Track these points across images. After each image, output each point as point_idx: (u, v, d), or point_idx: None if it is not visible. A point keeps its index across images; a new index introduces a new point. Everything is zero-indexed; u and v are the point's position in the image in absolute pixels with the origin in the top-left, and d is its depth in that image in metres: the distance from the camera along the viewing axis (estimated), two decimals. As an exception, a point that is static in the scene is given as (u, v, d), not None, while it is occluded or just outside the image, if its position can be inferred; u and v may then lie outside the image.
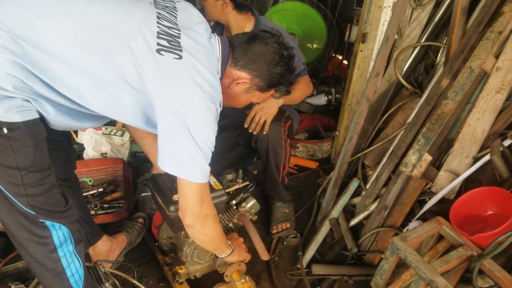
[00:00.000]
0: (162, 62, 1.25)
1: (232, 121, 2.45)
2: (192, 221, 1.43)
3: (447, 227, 1.64)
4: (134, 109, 1.31)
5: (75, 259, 1.39)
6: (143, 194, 2.25)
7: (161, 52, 1.26)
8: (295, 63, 1.79)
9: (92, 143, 2.51)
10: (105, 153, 2.56)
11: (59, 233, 1.34)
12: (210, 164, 1.37)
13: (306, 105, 3.27)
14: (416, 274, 1.45)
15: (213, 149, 1.36)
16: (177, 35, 1.33)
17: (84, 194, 2.29)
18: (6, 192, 1.24)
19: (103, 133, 2.56)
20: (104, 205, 2.29)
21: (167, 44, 1.28)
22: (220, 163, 2.44)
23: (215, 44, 1.45)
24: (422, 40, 2.46)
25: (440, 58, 2.42)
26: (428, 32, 2.45)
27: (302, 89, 2.26)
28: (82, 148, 2.56)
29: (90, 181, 2.46)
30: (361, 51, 2.53)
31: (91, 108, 1.29)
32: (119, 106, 1.30)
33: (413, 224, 2.00)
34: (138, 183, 2.32)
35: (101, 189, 2.38)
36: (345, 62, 3.62)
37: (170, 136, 1.28)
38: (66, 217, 1.37)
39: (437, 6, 2.44)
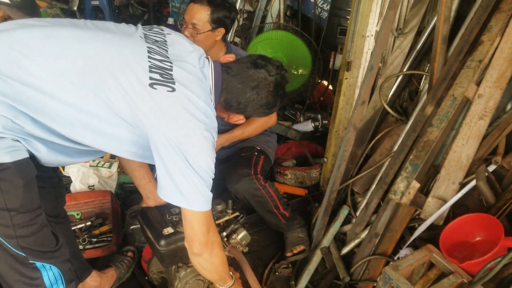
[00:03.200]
0: (155, 96, 1.26)
1: (234, 150, 2.45)
2: (200, 250, 1.42)
3: (437, 255, 1.65)
4: (131, 143, 1.32)
5: None
6: (132, 227, 2.22)
7: (154, 86, 1.27)
8: None
9: (80, 176, 2.49)
10: (93, 186, 2.53)
11: (49, 273, 1.32)
12: (212, 191, 1.37)
13: (294, 132, 3.30)
14: (410, 304, 1.46)
15: (213, 176, 1.38)
16: (169, 67, 1.34)
17: (71, 228, 2.25)
18: None
19: (90, 165, 2.53)
20: (93, 239, 2.25)
21: (159, 78, 1.29)
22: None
23: (208, 73, 1.46)
24: (405, 68, 2.51)
25: (423, 85, 2.48)
26: (410, 59, 2.51)
27: (258, 126, 2.29)
28: (69, 181, 2.53)
29: (77, 214, 2.42)
30: (346, 79, 2.57)
31: (86, 143, 1.29)
32: (115, 141, 1.31)
33: (404, 251, 2.00)
34: (126, 216, 2.30)
35: (89, 223, 2.34)
36: (330, 87, 3.67)
37: (169, 168, 1.28)
38: (56, 256, 1.35)
39: (418, 34, 2.51)
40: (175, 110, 1.28)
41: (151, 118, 1.27)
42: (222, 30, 2.25)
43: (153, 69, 1.30)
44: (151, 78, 1.28)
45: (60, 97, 1.20)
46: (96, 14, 5.06)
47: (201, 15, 2.20)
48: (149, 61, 1.32)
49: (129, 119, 1.27)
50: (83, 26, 1.37)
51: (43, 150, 1.27)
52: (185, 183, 1.29)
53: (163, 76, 1.30)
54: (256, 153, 2.29)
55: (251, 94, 1.49)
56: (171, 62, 1.36)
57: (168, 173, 1.28)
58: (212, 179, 1.37)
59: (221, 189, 2.44)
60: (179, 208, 1.60)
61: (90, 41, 1.29)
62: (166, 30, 1.54)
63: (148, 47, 1.37)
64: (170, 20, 4.88)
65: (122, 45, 1.33)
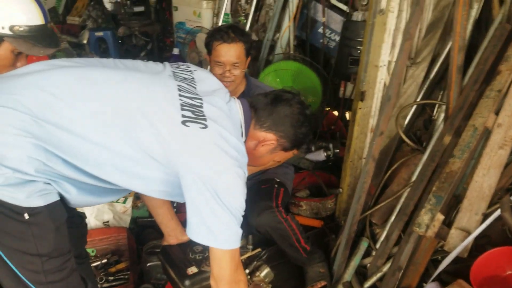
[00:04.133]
0: (188, 133, 1.26)
1: (253, 182, 2.41)
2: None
3: (469, 291, 1.61)
4: (160, 182, 1.31)
5: None
6: (148, 264, 2.18)
7: (187, 123, 1.27)
8: None
9: (94, 212, 2.46)
10: (107, 222, 2.51)
11: None
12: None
13: (306, 162, 3.28)
14: None
15: (243, 213, 1.35)
16: (199, 104, 1.34)
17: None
18: (25, 280, 1.20)
19: (105, 201, 2.51)
20: (109, 277, 2.21)
21: (191, 115, 1.29)
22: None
23: (236, 107, 1.46)
24: (419, 97, 2.51)
25: (438, 113, 2.48)
26: (424, 88, 2.51)
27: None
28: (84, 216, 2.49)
29: (92, 251, 2.38)
30: (360, 108, 2.57)
31: (115, 183, 1.27)
32: (145, 180, 1.29)
33: (430, 286, 1.96)
34: (143, 252, 2.26)
35: (105, 260, 2.31)
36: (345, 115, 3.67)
37: (200, 207, 1.26)
38: None
39: (431, 63, 2.52)
40: (208, 147, 1.27)
41: (184, 156, 1.26)
42: (248, 59, 2.29)
43: (184, 107, 1.30)
44: (183, 116, 1.28)
45: (91, 138, 1.20)
46: (100, 45, 5.12)
47: (240, 52, 2.21)
48: (180, 99, 1.32)
49: (160, 158, 1.26)
50: (113, 66, 1.38)
51: (73, 191, 1.26)
52: (216, 222, 1.27)
53: (194, 113, 1.30)
54: (276, 186, 2.27)
55: (284, 109, 1.50)
56: (201, 99, 1.37)
57: (199, 213, 1.26)
58: (242, 216, 1.35)
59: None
60: (202, 245, 1.57)
61: (121, 82, 1.30)
62: (193, 67, 1.55)
63: (178, 85, 1.38)
64: (175, 51, 4.92)
65: (153, 85, 1.34)
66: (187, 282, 1.58)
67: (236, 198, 1.29)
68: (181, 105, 1.31)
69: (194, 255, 1.70)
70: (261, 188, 2.28)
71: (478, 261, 1.69)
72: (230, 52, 2.19)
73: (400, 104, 2.55)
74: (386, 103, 2.10)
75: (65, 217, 1.26)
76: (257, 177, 2.39)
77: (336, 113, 3.71)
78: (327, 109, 3.76)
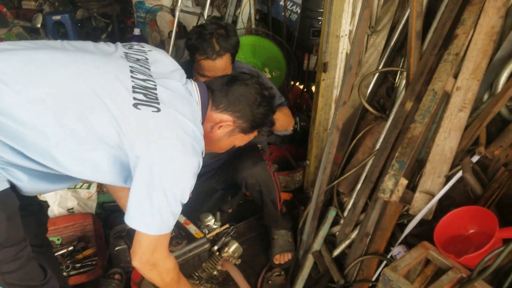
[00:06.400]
0: (140, 117, 1.21)
1: (207, 168, 2.41)
2: (139, 265, 1.38)
3: (433, 251, 1.64)
4: (110, 167, 1.26)
5: None
6: (117, 248, 2.14)
7: (138, 106, 1.22)
8: (276, 100, 1.79)
9: (57, 199, 2.38)
10: (72, 209, 2.44)
11: None
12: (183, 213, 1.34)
13: (273, 136, 3.27)
14: (412, 305, 1.44)
15: (184, 202, 1.32)
16: (152, 86, 1.29)
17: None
18: None
19: (68, 188, 2.44)
20: (76, 264, 2.16)
21: (143, 98, 1.24)
22: (199, 211, 2.37)
23: (193, 89, 1.42)
24: (381, 65, 2.52)
25: (399, 80, 2.49)
26: (385, 56, 2.52)
27: (284, 120, 2.21)
28: (46, 205, 2.42)
29: (58, 240, 2.32)
30: (323, 80, 2.56)
31: (66, 172, 1.22)
32: (96, 166, 1.24)
33: (397, 249, 2.00)
34: (110, 237, 2.21)
35: (71, 248, 2.25)
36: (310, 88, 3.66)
37: (140, 192, 1.23)
38: None
39: (391, 31, 2.52)
40: (160, 132, 1.23)
41: (134, 140, 1.21)
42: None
43: (136, 89, 1.25)
44: (135, 99, 1.22)
45: (36, 125, 1.14)
46: (58, 29, 4.92)
47: (226, 63, 2.08)
48: (132, 81, 1.26)
49: (112, 141, 1.21)
50: (61, 48, 1.31)
51: (24, 178, 1.20)
52: (149, 206, 1.24)
53: (147, 96, 1.25)
54: (260, 147, 2.30)
55: (240, 89, 1.46)
56: (154, 81, 1.31)
57: (138, 198, 1.24)
58: (182, 206, 1.32)
59: (211, 205, 2.41)
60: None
61: (70, 64, 1.23)
62: (147, 47, 1.49)
63: (130, 66, 1.31)
64: (136, 31, 4.78)
65: (104, 66, 1.27)
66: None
67: (178, 188, 1.26)
68: (133, 87, 1.25)
69: (160, 235, 1.67)
70: (246, 149, 2.23)
71: (441, 222, 1.73)
72: (215, 68, 2.04)
73: (362, 73, 2.55)
74: (348, 72, 2.09)
75: (17, 205, 1.21)
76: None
77: (301, 86, 3.69)
78: (292, 83, 3.74)
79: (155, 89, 1.29)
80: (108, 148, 1.21)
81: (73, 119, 1.16)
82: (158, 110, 1.24)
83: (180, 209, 1.31)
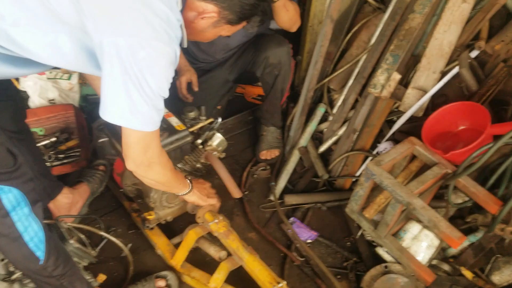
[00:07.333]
0: None
1: (220, 60, 2.29)
2: (134, 168, 1.31)
3: (420, 147, 1.61)
4: (76, 52, 1.14)
5: (32, 222, 1.27)
6: (100, 140, 2.10)
7: None
8: None
9: (37, 89, 2.29)
10: (53, 100, 2.36)
11: (9, 196, 1.20)
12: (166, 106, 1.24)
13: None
14: (393, 197, 1.43)
15: (165, 96, 1.20)
16: None
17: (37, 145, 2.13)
18: None
19: (48, 78, 2.33)
20: (59, 155, 2.13)
21: None
22: (210, 103, 2.31)
23: None
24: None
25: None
26: None
27: (293, 15, 2.05)
28: (26, 96, 2.34)
29: (40, 131, 2.27)
30: (319, -35, 2.35)
31: (30, 56, 1.11)
32: (58, 50, 1.13)
33: (383, 145, 1.97)
34: (93, 129, 2.16)
35: (54, 139, 2.21)
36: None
37: (113, 82, 1.11)
38: (16, 177, 1.23)
39: None
40: (127, 14, 1.07)
41: (98, 22, 1.07)
42: None
43: None
44: None
45: None
46: None
47: None
48: None
49: (72, 21, 1.07)
50: None
51: None
52: (126, 100, 1.12)
53: None
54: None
55: None
56: None
57: (111, 88, 1.12)
58: (164, 99, 1.21)
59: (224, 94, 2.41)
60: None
61: None
62: None
63: None
64: None
65: None
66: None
67: (155, 78, 1.13)
68: None
69: (141, 126, 1.62)
70: (267, 34, 2.25)
71: (430, 118, 1.67)
72: None
73: (362, -41, 2.32)
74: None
75: None
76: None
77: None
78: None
79: None
80: (70, 30, 1.09)
81: None
82: None
83: (162, 103, 1.21)
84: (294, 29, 2.14)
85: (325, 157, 2.21)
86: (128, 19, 1.08)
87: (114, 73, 1.10)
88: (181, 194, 1.61)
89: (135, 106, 1.14)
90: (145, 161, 1.30)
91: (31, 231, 1.26)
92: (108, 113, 1.16)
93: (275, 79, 2.15)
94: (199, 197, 1.66)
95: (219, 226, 1.61)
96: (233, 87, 2.55)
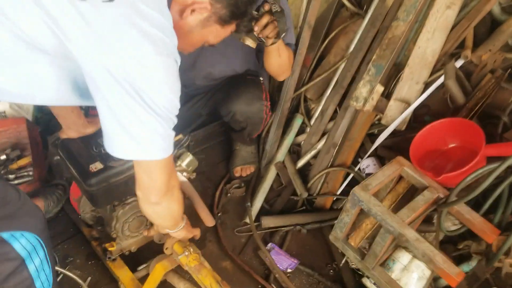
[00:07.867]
0: (86, 12, 0.86)
1: (198, 91, 2.11)
2: (159, 199, 1.15)
3: (408, 168, 1.48)
4: (58, 82, 0.97)
5: None
6: (56, 158, 1.89)
7: None
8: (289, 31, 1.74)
9: (-16, 101, 2.06)
10: (4, 112, 2.13)
11: None
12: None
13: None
14: (383, 227, 1.30)
15: (177, 113, 1.04)
16: None
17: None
18: None
19: (-4, 88, 2.10)
20: (10, 175, 1.91)
21: None
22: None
23: None
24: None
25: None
26: None
27: (285, 62, 1.87)
28: (-28, 109, 2.10)
29: (-12, 148, 2.04)
30: (294, -33, 2.21)
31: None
32: (36, 82, 0.95)
33: (366, 162, 1.85)
34: (49, 144, 1.95)
35: (4, 157, 1.98)
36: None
37: (117, 111, 0.94)
38: None
39: None
40: (118, 30, 0.90)
41: (83, 45, 0.89)
42: None
43: None
44: None
45: None
46: None
47: None
48: None
49: (51, 48, 0.89)
50: None
51: None
52: (140, 128, 0.97)
53: None
54: (261, 80, 2.01)
55: None
56: None
57: (117, 119, 0.95)
58: (177, 116, 1.05)
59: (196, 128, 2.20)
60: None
61: None
62: None
63: None
64: None
65: None
66: (90, 181, 1.33)
67: (161, 95, 0.97)
68: None
69: (99, 148, 1.42)
70: (247, 77, 2.00)
71: (419, 135, 1.55)
72: None
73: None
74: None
75: None
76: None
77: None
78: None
79: None
80: (48, 58, 0.91)
81: None
82: None
83: (175, 120, 1.04)
84: (281, 78, 1.96)
85: (304, 172, 2.07)
86: (120, 37, 0.91)
87: (118, 103, 0.94)
88: (173, 231, 1.41)
89: (153, 133, 0.99)
90: (170, 188, 1.15)
91: None
92: (122, 149, 1.00)
93: (242, 129, 1.99)
94: (189, 230, 1.47)
95: (189, 259, 1.43)
96: (206, 122, 2.33)
